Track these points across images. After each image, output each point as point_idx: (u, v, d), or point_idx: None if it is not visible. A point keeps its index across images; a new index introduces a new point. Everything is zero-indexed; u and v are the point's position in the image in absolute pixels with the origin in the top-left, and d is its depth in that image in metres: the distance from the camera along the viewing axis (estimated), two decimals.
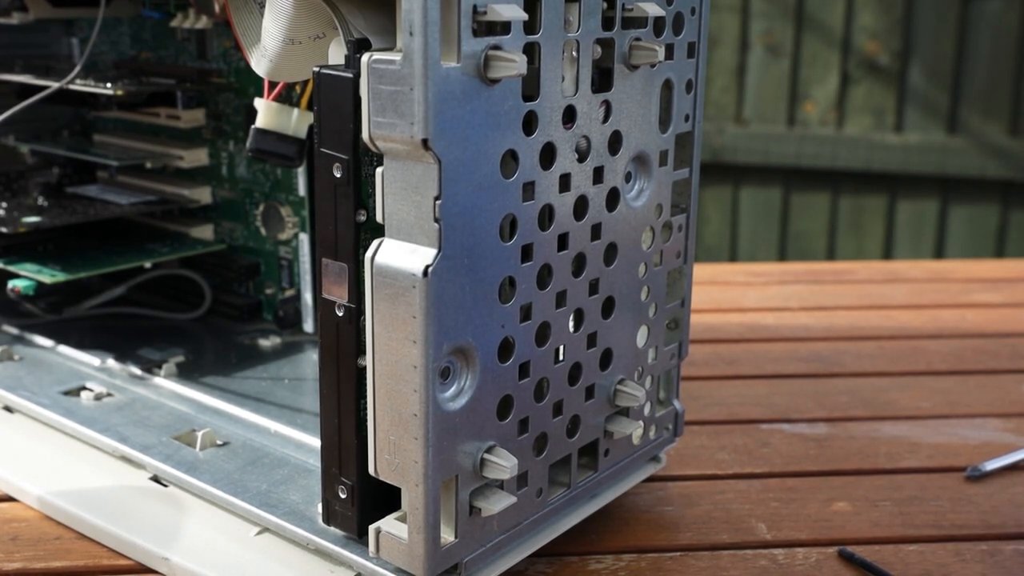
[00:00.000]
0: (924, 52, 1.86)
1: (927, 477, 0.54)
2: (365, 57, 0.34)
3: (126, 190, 0.66)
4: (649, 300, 0.45)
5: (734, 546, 0.47)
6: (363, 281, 0.36)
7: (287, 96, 0.50)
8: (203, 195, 0.65)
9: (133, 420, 0.52)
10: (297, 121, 0.49)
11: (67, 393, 0.55)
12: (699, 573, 0.45)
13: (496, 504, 0.38)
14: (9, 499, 0.50)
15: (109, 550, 0.46)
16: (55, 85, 0.56)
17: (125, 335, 0.63)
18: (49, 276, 0.57)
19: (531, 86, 0.36)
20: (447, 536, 0.38)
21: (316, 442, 0.44)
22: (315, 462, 0.45)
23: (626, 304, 0.44)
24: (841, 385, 0.67)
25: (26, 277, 0.58)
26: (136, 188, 0.66)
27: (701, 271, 0.93)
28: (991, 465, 0.54)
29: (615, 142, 0.41)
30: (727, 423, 0.61)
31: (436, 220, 0.34)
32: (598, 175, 0.40)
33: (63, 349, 0.61)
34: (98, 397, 0.55)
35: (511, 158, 0.36)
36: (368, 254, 0.36)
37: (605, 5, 0.39)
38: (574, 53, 0.38)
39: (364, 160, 0.37)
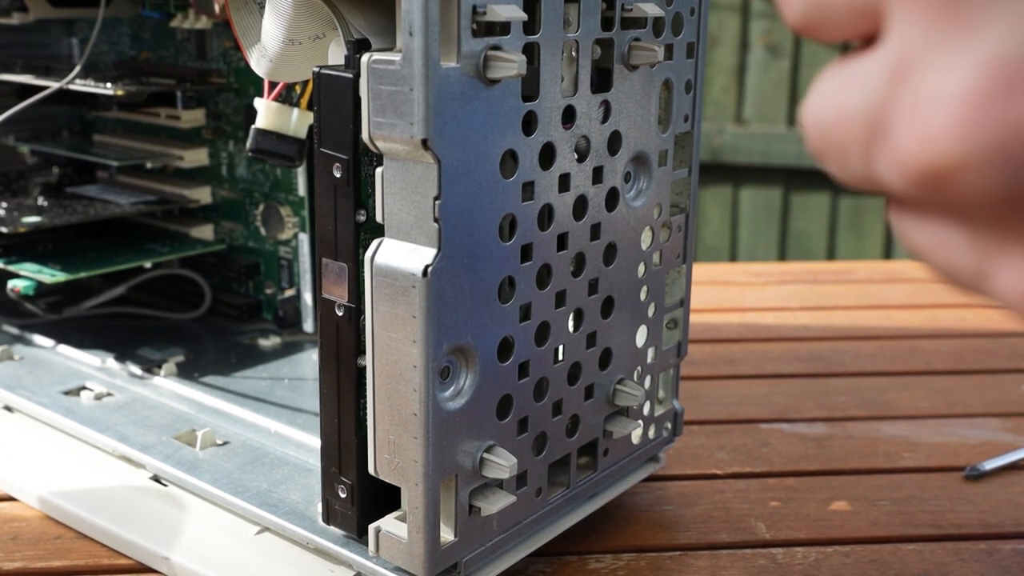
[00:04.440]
0: None
1: (926, 477, 0.54)
2: (365, 57, 0.34)
3: (126, 190, 0.66)
4: (648, 300, 0.45)
5: (733, 545, 0.47)
6: (363, 281, 0.36)
7: (287, 96, 0.50)
8: (203, 195, 0.65)
9: (133, 420, 0.52)
10: (297, 121, 0.49)
11: (67, 393, 0.56)
12: (698, 572, 0.45)
13: (495, 503, 0.38)
14: (9, 499, 0.50)
15: (109, 549, 0.46)
16: (55, 85, 0.56)
17: (125, 335, 0.63)
18: (49, 276, 0.57)
19: (530, 86, 0.36)
20: (447, 535, 0.38)
21: (316, 442, 0.45)
22: (315, 461, 0.45)
23: (625, 304, 0.44)
24: (840, 385, 0.67)
25: (26, 277, 0.58)
26: (136, 188, 0.66)
27: (701, 271, 0.93)
28: (990, 465, 0.54)
29: (614, 142, 0.41)
30: (726, 423, 0.61)
31: (436, 220, 0.34)
32: (597, 175, 0.40)
33: (63, 349, 0.61)
34: (98, 397, 0.55)
35: (511, 158, 0.36)
36: (368, 254, 0.36)
37: (604, 5, 0.39)
38: (573, 53, 0.38)
39: (364, 160, 0.37)
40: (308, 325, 0.63)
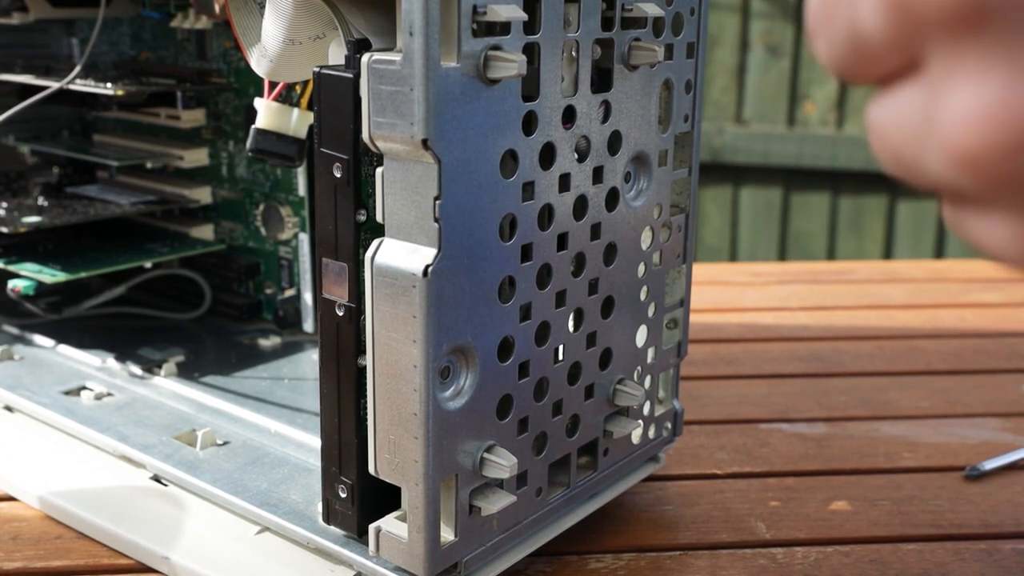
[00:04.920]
0: None
1: (926, 476, 0.54)
2: (365, 57, 0.34)
3: (126, 190, 0.66)
4: (648, 300, 0.45)
5: (733, 545, 0.47)
6: (363, 281, 0.36)
7: (287, 96, 0.50)
8: (203, 195, 0.65)
9: (133, 419, 0.52)
10: (297, 121, 0.49)
11: (67, 393, 0.56)
12: (698, 572, 0.45)
13: (496, 503, 0.38)
14: (10, 498, 0.50)
15: (109, 549, 0.46)
16: (55, 85, 0.56)
17: (125, 335, 0.63)
18: (49, 276, 0.57)
19: (531, 86, 0.36)
20: (447, 535, 0.38)
21: (316, 441, 0.45)
22: (315, 461, 0.45)
23: (625, 304, 0.44)
24: (840, 385, 0.67)
25: (26, 277, 0.58)
26: (136, 188, 0.66)
27: (701, 271, 0.93)
28: (990, 464, 0.55)
29: (614, 142, 0.41)
30: (726, 423, 0.61)
31: (436, 220, 0.34)
32: (597, 175, 0.41)
33: (63, 349, 0.61)
34: (98, 397, 0.55)
35: (511, 158, 0.36)
36: (368, 254, 0.36)
37: (604, 5, 0.39)
38: (573, 53, 0.38)
39: (364, 160, 0.37)
40: (308, 325, 0.63)
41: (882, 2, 0.19)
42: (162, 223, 0.67)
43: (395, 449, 0.37)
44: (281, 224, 0.62)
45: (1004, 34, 0.18)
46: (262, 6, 0.43)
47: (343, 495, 0.40)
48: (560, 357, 0.41)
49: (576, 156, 0.39)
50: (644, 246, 0.44)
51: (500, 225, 0.36)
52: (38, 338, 0.63)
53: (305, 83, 0.48)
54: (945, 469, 0.55)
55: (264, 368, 0.59)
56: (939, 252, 1.94)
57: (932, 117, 0.19)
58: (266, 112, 0.49)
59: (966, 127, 0.18)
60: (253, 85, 0.61)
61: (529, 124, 0.37)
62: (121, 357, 0.59)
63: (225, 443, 0.50)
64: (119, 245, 0.64)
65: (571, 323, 0.41)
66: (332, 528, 0.41)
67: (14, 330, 0.64)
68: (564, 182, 0.39)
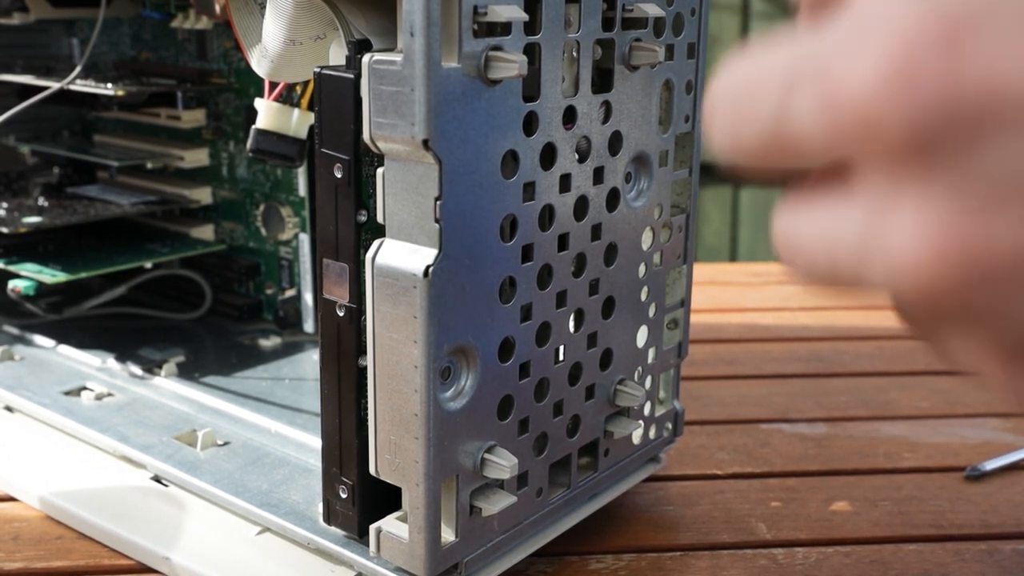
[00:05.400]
0: None
1: (926, 477, 0.54)
2: (366, 58, 0.34)
3: (126, 190, 0.66)
4: (649, 300, 0.45)
5: (734, 546, 0.47)
6: (364, 281, 0.36)
7: (287, 96, 0.50)
8: (203, 195, 0.65)
9: (134, 420, 0.52)
10: (298, 122, 0.49)
11: (68, 393, 0.56)
12: (699, 573, 0.45)
13: (496, 504, 0.38)
14: (10, 499, 0.50)
15: (110, 550, 0.46)
16: (55, 85, 0.56)
17: (125, 335, 0.63)
18: (50, 276, 0.57)
19: (531, 87, 0.36)
20: (448, 536, 0.38)
21: (316, 442, 0.45)
22: (315, 462, 0.45)
23: (626, 304, 0.44)
24: (840, 385, 0.67)
25: (26, 277, 0.58)
26: (136, 188, 0.66)
27: (701, 271, 0.93)
28: (990, 465, 0.54)
29: (615, 143, 0.41)
30: (727, 423, 0.61)
31: (437, 220, 0.34)
32: (598, 175, 0.41)
33: (63, 349, 0.61)
34: (99, 397, 0.55)
35: (511, 158, 0.36)
36: (369, 254, 0.36)
37: (605, 6, 0.39)
38: (574, 54, 0.38)
39: (365, 160, 0.37)
40: (308, 325, 0.63)
41: (829, 107, 0.17)
42: (162, 223, 0.67)
43: (396, 450, 0.37)
44: (281, 224, 0.62)
45: (952, 164, 0.16)
46: (263, 6, 0.43)
47: (344, 495, 0.40)
48: (561, 357, 0.41)
49: (577, 156, 0.39)
50: (645, 246, 0.44)
51: (501, 226, 0.36)
52: (38, 338, 0.63)
53: (306, 83, 0.48)
54: (945, 469, 0.55)
55: (264, 368, 0.59)
56: None
57: (875, 239, 0.18)
58: (266, 112, 0.49)
59: (917, 259, 0.17)
60: (253, 85, 0.61)
61: (530, 124, 0.37)
62: (121, 357, 0.59)
63: (225, 443, 0.50)
64: (119, 245, 0.64)
65: (572, 323, 0.41)
66: (333, 529, 0.41)
67: (14, 330, 0.64)
68: (565, 182, 0.39)
